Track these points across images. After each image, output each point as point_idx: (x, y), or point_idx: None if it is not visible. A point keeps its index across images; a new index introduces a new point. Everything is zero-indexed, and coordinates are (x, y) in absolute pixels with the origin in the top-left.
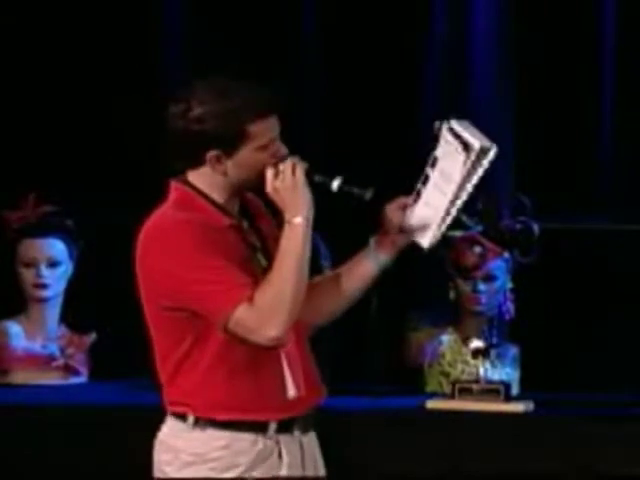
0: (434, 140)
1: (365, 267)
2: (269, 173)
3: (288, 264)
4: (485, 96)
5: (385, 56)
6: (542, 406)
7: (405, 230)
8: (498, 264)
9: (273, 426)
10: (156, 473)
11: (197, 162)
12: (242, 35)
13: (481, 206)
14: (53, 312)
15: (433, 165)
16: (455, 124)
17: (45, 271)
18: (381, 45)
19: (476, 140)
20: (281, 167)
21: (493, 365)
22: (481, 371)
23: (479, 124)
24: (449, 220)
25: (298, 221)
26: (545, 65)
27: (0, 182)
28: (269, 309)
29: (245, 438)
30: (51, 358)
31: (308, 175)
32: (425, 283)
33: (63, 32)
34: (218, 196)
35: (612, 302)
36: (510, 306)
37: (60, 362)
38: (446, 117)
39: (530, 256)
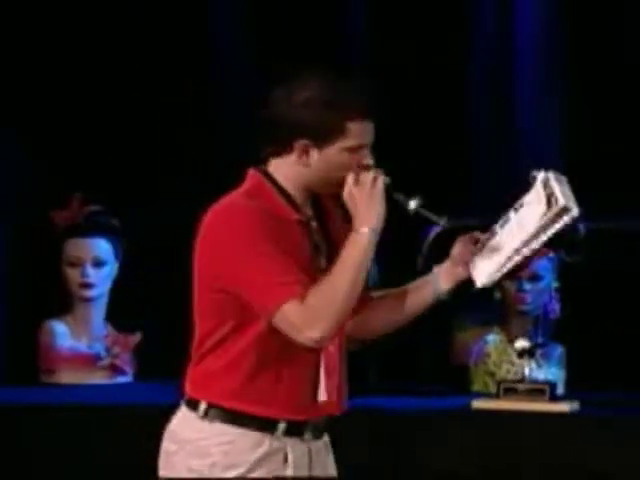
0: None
1: (424, 294)
2: (350, 179)
3: (345, 271)
4: (532, 95)
5: (431, 58)
6: (588, 406)
7: (468, 265)
8: (544, 264)
9: (282, 426)
10: (161, 463)
11: (285, 149)
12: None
13: None
14: (99, 312)
15: (516, 210)
16: (552, 177)
17: (90, 271)
18: (427, 47)
19: (562, 197)
20: (362, 176)
21: (538, 365)
22: (526, 371)
23: (526, 123)
24: (509, 266)
25: (365, 231)
26: (594, 63)
27: (46, 182)
28: (318, 311)
29: (251, 436)
30: (97, 358)
31: (387, 190)
32: (471, 282)
33: (111, 35)
34: (292, 189)
35: None
36: (556, 306)
37: (106, 362)
38: (539, 165)
39: (576, 256)
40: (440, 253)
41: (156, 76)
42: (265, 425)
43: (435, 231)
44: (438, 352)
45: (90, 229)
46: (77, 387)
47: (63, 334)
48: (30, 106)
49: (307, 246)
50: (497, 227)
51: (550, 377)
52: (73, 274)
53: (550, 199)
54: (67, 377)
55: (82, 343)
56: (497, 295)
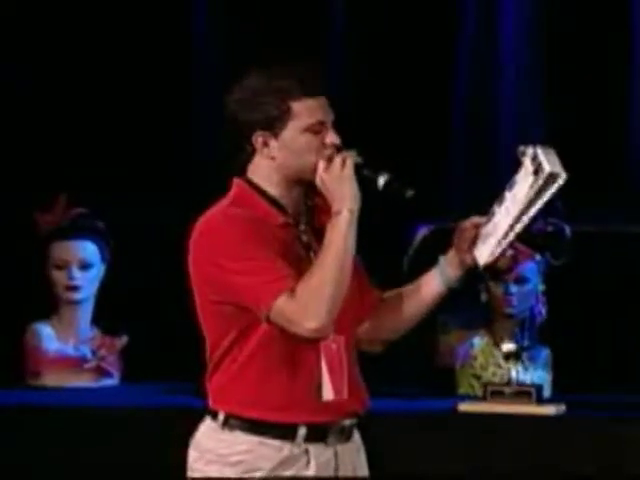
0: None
1: (433, 286)
2: (320, 164)
3: (329, 256)
4: (513, 95)
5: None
6: (574, 408)
7: (472, 249)
8: (530, 266)
9: (302, 431)
10: (188, 471)
11: (248, 149)
12: (272, 32)
13: None
14: (85, 314)
15: (510, 188)
16: (539, 150)
17: (77, 273)
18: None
19: (548, 165)
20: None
21: (525, 367)
22: (513, 374)
23: (508, 120)
24: (508, 241)
25: (342, 213)
26: (575, 57)
27: (32, 184)
28: (308, 300)
29: (270, 444)
30: (83, 360)
31: (357, 169)
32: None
33: (94, 36)
34: (274, 190)
35: None
36: (542, 308)
37: (92, 364)
38: (525, 140)
39: (562, 258)
40: (427, 254)
41: (141, 79)
42: (284, 432)
43: (422, 233)
44: (423, 355)
45: (76, 231)
46: (63, 390)
47: (49, 337)
48: (15, 108)
49: (297, 246)
50: (495, 208)
51: (536, 380)
52: (59, 277)
53: (537, 168)
54: (53, 380)
55: (68, 346)
56: (483, 297)
